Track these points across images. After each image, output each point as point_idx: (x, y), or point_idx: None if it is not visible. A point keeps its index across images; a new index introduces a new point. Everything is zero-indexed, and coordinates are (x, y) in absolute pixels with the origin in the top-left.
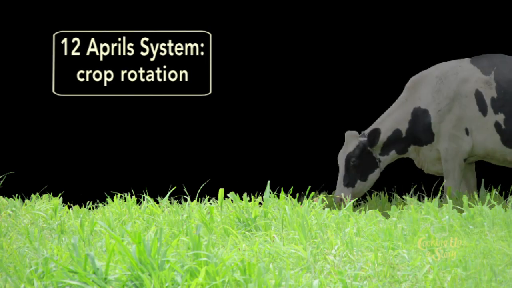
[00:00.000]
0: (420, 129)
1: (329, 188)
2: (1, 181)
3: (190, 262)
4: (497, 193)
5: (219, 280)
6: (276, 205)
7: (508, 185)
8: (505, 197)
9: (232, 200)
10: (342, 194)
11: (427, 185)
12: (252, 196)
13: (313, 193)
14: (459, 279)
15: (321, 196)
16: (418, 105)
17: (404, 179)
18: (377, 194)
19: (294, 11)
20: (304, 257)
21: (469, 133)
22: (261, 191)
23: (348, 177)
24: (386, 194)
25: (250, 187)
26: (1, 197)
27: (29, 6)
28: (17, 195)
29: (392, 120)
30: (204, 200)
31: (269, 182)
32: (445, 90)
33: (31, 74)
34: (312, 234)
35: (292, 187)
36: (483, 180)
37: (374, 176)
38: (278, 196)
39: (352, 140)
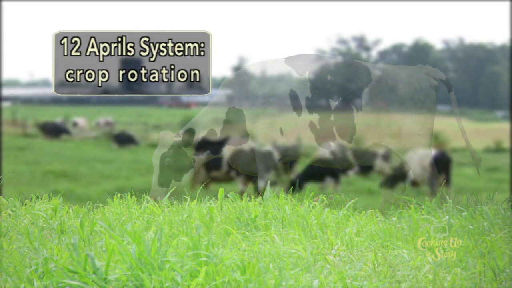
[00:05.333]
0: (235, 129)
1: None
2: (1, 181)
3: (190, 262)
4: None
5: (219, 280)
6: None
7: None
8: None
9: (232, 200)
10: (157, 194)
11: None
12: (252, 196)
13: (312, 192)
14: None
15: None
16: (233, 105)
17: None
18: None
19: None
20: (304, 257)
21: (284, 133)
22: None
23: (162, 177)
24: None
25: (250, 187)
26: (1, 197)
27: (29, 6)
28: (17, 195)
29: (207, 120)
30: (204, 200)
31: (269, 182)
32: (260, 89)
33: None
34: (312, 234)
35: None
36: (297, 180)
37: (188, 176)
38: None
39: (167, 140)
